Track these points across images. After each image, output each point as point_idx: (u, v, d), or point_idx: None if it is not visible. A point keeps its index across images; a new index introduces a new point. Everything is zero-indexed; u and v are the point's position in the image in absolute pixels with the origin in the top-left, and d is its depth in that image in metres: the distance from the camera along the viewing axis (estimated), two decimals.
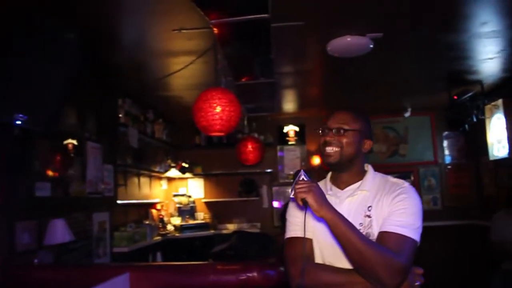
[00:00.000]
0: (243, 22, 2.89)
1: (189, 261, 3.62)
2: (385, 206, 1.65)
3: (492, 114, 5.93)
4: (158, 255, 5.91)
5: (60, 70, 3.10)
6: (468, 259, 6.54)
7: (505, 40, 4.17)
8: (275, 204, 7.60)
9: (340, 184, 1.80)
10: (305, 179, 1.61)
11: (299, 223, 1.72)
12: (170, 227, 6.87)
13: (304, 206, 1.56)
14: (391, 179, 1.75)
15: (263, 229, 7.30)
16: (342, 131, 1.73)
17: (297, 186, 1.56)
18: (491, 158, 6.08)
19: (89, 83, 4.52)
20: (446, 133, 7.37)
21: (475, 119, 6.01)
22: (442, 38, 4.08)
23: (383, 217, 1.63)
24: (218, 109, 3.24)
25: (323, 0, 3.21)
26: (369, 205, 1.69)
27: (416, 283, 1.64)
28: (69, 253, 3.97)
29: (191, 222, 7.15)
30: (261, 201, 7.63)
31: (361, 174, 1.79)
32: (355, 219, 1.63)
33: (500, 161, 6.03)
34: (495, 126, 5.89)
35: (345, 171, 1.77)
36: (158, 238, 6.18)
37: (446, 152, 7.40)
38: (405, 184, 1.71)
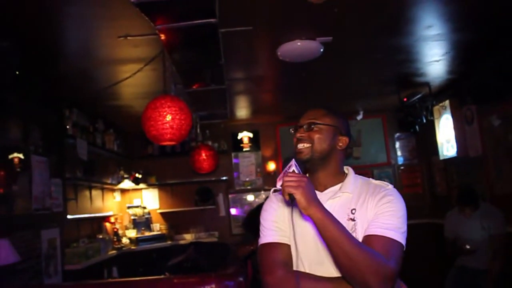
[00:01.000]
0: (190, 27, 2.83)
1: (147, 274, 3.49)
2: (370, 209, 1.56)
3: (440, 115, 6.09)
4: (114, 270, 5.72)
5: None
6: (424, 257, 6.69)
7: (449, 43, 4.28)
8: (233, 211, 7.54)
9: (318, 186, 1.67)
10: (296, 171, 1.49)
11: (275, 228, 1.65)
12: (125, 240, 6.68)
13: (290, 202, 1.45)
14: (374, 181, 1.68)
15: (221, 237, 7.24)
16: (312, 126, 1.65)
17: (286, 179, 1.43)
18: (441, 157, 6.24)
19: (32, 94, 4.32)
20: (397, 134, 7.54)
21: (424, 120, 6.18)
22: (389, 42, 4.15)
23: (368, 220, 1.54)
24: (168, 117, 3.16)
25: (271, 5, 3.17)
26: (352, 207, 1.59)
27: None
28: (14, 275, 3.75)
29: (147, 234, 6.98)
30: (217, 209, 7.55)
31: (339, 176, 1.69)
32: None
33: (449, 160, 6.21)
34: (444, 126, 6.05)
35: (320, 170, 1.66)
36: (113, 252, 5.99)
37: (399, 153, 7.57)
38: (389, 186, 1.64)
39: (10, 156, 3.93)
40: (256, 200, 7.50)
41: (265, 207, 1.76)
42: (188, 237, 7.24)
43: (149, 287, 2.90)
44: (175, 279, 2.95)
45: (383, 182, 1.66)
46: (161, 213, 7.52)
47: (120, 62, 4.14)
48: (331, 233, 1.39)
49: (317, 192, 1.60)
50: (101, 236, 6.01)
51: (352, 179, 1.68)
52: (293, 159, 1.54)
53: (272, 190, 1.78)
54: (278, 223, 1.66)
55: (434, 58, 4.74)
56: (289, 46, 3.83)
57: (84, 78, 4.54)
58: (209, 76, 4.04)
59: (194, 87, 4.22)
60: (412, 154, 7.55)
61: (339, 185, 1.66)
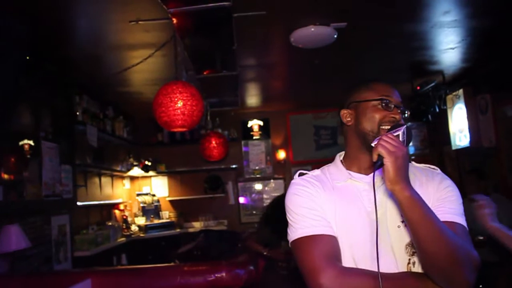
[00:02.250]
0: (203, 11, 2.77)
1: (155, 262, 3.48)
2: (431, 193, 1.35)
3: (453, 104, 6.01)
4: (123, 257, 5.73)
5: (8, 65, 2.90)
6: None
7: (465, 29, 4.19)
8: (242, 200, 7.52)
9: (362, 169, 1.43)
10: (401, 139, 1.26)
11: (315, 216, 1.35)
12: (134, 228, 6.68)
13: (375, 165, 1.22)
14: (416, 164, 1.48)
15: (230, 226, 7.23)
16: (406, 113, 1.44)
17: (385, 138, 1.21)
18: (454, 147, 6.17)
19: (42, 80, 4.29)
20: (409, 123, 7.43)
21: (437, 109, 6.08)
22: (404, 28, 4.06)
23: (431, 205, 1.28)
24: (180, 103, 3.10)
25: None
26: None
27: None
28: (25, 260, 3.75)
29: (156, 221, 6.97)
30: (227, 197, 7.53)
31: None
32: (396, 208, 1.33)
33: (462, 150, 6.13)
34: (457, 115, 5.97)
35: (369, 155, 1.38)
36: (122, 239, 5.99)
37: (410, 142, 7.47)
38: (438, 169, 1.46)
39: (21, 143, 3.91)
40: (266, 188, 7.46)
41: (294, 191, 1.43)
42: (197, 225, 7.23)
43: (159, 274, 2.88)
44: (185, 267, 2.93)
45: (428, 165, 1.48)
46: (170, 201, 7.51)
47: (131, 47, 4.09)
48: (419, 216, 1.18)
49: (361, 175, 1.42)
50: (110, 223, 6.01)
51: None
52: (405, 126, 1.29)
53: (298, 173, 1.51)
54: (317, 211, 1.36)
55: (449, 46, 4.65)
56: (302, 31, 3.76)
57: (95, 64, 4.50)
58: (221, 62, 3.97)
59: (205, 73, 4.16)
60: (423, 144, 7.47)
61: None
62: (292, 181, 1.49)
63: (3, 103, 3.01)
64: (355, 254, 1.33)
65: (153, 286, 2.84)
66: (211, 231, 4.43)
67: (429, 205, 1.27)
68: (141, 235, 6.58)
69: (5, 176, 3.62)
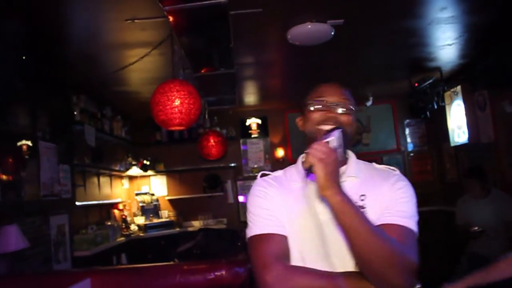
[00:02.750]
0: (199, 8, 2.76)
1: (156, 261, 3.47)
2: (383, 195, 1.38)
3: (451, 101, 6.00)
4: (123, 256, 5.72)
5: (4, 66, 2.89)
6: (434, 245, 6.64)
7: (462, 25, 4.19)
8: (241, 198, 7.51)
9: None
10: (333, 145, 1.27)
11: (268, 216, 1.42)
12: (133, 227, 6.68)
13: (306, 173, 1.27)
14: (376, 165, 1.52)
15: (229, 224, 7.23)
16: (350, 110, 1.47)
17: (314, 146, 1.24)
18: (452, 144, 6.16)
19: (39, 80, 4.29)
20: (407, 120, 7.45)
21: (435, 106, 6.08)
22: (401, 25, 4.05)
23: (382, 207, 1.36)
24: (177, 101, 3.10)
25: None
26: (361, 193, 1.40)
27: (417, 286, 1.37)
28: (24, 260, 3.75)
29: (155, 221, 6.97)
30: (226, 196, 7.51)
31: (342, 160, 1.45)
32: None
33: (460, 147, 6.12)
34: (455, 112, 5.97)
35: None
36: (121, 239, 5.99)
37: (408, 139, 7.48)
38: (397, 171, 1.48)
39: (19, 143, 3.91)
40: None
41: (253, 192, 1.50)
42: (197, 224, 7.23)
43: (159, 273, 2.87)
44: (185, 266, 2.93)
45: (388, 166, 1.51)
46: (169, 200, 7.51)
47: (128, 46, 4.08)
48: (351, 220, 1.22)
49: None
50: (109, 223, 6.01)
51: (354, 162, 1.50)
52: (340, 130, 1.32)
53: (260, 173, 1.59)
54: (272, 211, 1.43)
55: (446, 42, 4.64)
56: (299, 29, 3.75)
57: (91, 63, 4.48)
58: (218, 60, 3.96)
59: (202, 71, 4.15)
60: (422, 141, 7.47)
61: (343, 167, 1.45)
62: (254, 181, 1.56)
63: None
64: (304, 254, 1.38)
65: (153, 285, 2.84)
66: (210, 230, 4.43)
67: (383, 205, 1.36)
68: (141, 234, 6.57)
69: (3, 177, 3.62)
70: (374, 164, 1.54)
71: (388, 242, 1.22)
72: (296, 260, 1.39)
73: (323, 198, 1.28)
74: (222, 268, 2.77)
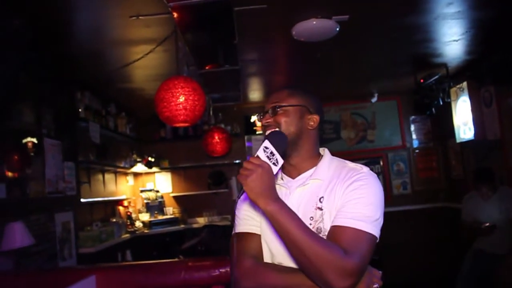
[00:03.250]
0: (204, 4, 2.75)
1: (160, 257, 3.48)
2: (338, 196, 1.42)
3: (457, 97, 5.96)
4: (128, 253, 5.73)
5: (9, 62, 2.89)
6: (440, 241, 6.62)
7: (469, 21, 4.15)
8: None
9: (292, 171, 1.56)
10: (262, 156, 1.35)
11: (245, 217, 1.56)
12: (138, 224, 6.68)
13: (240, 190, 1.35)
14: (350, 164, 1.52)
15: (234, 221, 7.20)
16: (276, 109, 1.52)
17: (244, 164, 1.33)
18: (458, 140, 6.13)
19: (43, 77, 4.28)
20: (413, 117, 7.41)
21: (441, 102, 6.04)
22: (407, 20, 4.03)
23: (336, 209, 1.40)
24: (182, 98, 3.10)
25: None
26: (321, 195, 1.45)
27: (374, 286, 1.39)
28: (30, 257, 3.76)
29: (160, 217, 6.98)
30: (230, 193, 7.51)
31: (314, 159, 1.55)
32: (306, 213, 1.43)
33: (466, 143, 6.09)
34: (461, 108, 5.93)
35: (293, 155, 1.52)
36: (126, 235, 6.00)
37: (414, 136, 7.45)
38: (364, 169, 1.47)
39: (24, 140, 3.91)
40: None
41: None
42: (201, 221, 7.24)
43: (163, 270, 2.87)
44: (189, 262, 2.91)
45: (358, 165, 1.51)
46: (174, 197, 7.51)
47: (132, 43, 4.07)
48: (282, 227, 1.29)
49: (288, 178, 1.56)
50: (114, 220, 6.02)
51: (326, 163, 1.53)
52: (266, 140, 1.38)
53: None
54: (249, 212, 1.56)
55: (452, 38, 4.60)
56: (304, 25, 3.73)
57: (96, 60, 4.48)
58: (223, 56, 3.95)
59: (207, 68, 4.14)
60: (427, 137, 7.43)
61: (312, 170, 1.53)
62: None
63: (4, 101, 3.00)
64: (273, 251, 1.49)
65: (157, 282, 2.83)
66: (215, 226, 4.43)
67: (338, 207, 1.40)
68: (146, 231, 6.58)
69: (9, 174, 3.62)
70: (347, 163, 1.54)
71: (320, 246, 1.27)
72: (267, 257, 1.51)
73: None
74: (227, 265, 2.75)
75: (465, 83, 5.75)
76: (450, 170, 7.01)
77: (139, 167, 7.03)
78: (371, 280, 1.39)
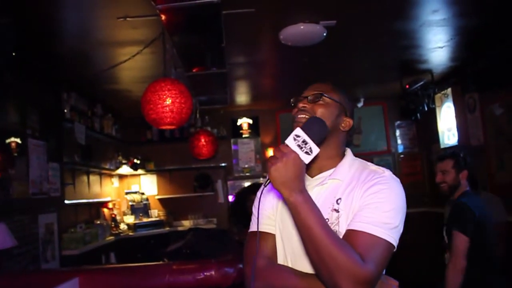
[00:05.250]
0: (192, 7, 2.75)
1: (145, 260, 3.44)
2: (356, 199, 1.33)
3: (442, 103, 6.04)
4: (112, 255, 5.69)
5: None
6: (423, 246, 6.67)
7: (454, 28, 4.21)
8: (231, 198, 7.50)
9: (312, 169, 1.47)
10: (290, 142, 1.25)
11: (262, 216, 1.49)
12: (123, 226, 6.63)
13: (266, 182, 1.29)
14: (371, 166, 1.44)
15: (219, 224, 7.21)
16: (318, 98, 1.44)
17: (272, 153, 1.25)
18: (442, 146, 6.20)
19: (29, 76, 4.24)
20: (398, 122, 7.48)
21: (426, 108, 6.11)
22: (394, 26, 4.07)
23: (353, 213, 1.31)
24: (168, 101, 3.09)
25: None
26: (338, 197, 1.37)
27: None
28: (12, 259, 3.71)
29: (145, 220, 6.94)
30: (216, 196, 7.50)
31: (337, 159, 1.47)
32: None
33: (450, 149, 6.16)
34: (445, 114, 6.01)
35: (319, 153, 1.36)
36: (110, 238, 5.95)
37: (399, 141, 7.52)
38: (386, 172, 1.39)
39: (7, 140, 3.86)
40: None
41: (257, 193, 1.56)
42: (187, 224, 7.22)
43: (148, 272, 2.85)
44: (174, 265, 2.90)
45: (379, 167, 1.42)
46: (159, 199, 7.48)
47: (119, 44, 4.05)
48: (302, 221, 1.21)
49: (307, 176, 1.47)
50: (98, 222, 5.97)
51: (347, 163, 1.45)
52: (298, 127, 1.28)
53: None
54: (265, 210, 1.51)
55: (438, 44, 4.66)
56: (292, 29, 3.75)
57: (82, 60, 4.45)
58: (210, 59, 3.95)
59: (194, 70, 4.14)
60: (412, 142, 7.50)
61: (332, 169, 1.45)
62: None
63: None
64: (287, 253, 1.43)
65: (141, 285, 2.81)
66: (200, 229, 4.40)
67: (355, 210, 1.31)
68: (130, 233, 6.54)
69: None
70: (369, 164, 1.47)
71: (339, 249, 1.19)
72: (281, 258, 1.45)
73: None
74: (212, 268, 2.75)
75: (449, 89, 5.83)
76: (434, 175, 7.06)
77: (125, 169, 6.99)
78: None
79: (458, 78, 5.77)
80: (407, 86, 5.95)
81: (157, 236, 6.63)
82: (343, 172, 1.42)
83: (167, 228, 6.97)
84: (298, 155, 1.24)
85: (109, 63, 4.44)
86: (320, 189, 1.42)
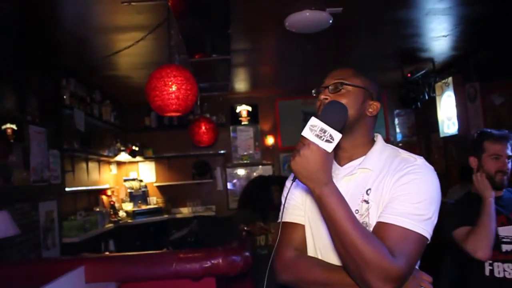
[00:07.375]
0: None
1: (144, 247, 3.44)
2: (386, 189, 1.26)
3: (442, 92, 6.03)
4: (111, 243, 5.67)
5: None
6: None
7: (458, 17, 4.19)
8: (230, 185, 7.50)
9: (341, 158, 1.40)
10: (307, 134, 1.16)
11: (290, 206, 1.44)
12: (122, 214, 6.61)
13: (294, 177, 1.23)
14: (403, 154, 1.36)
15: (218, 211, 7.20)
16: (340, 87, 1.36)
17: (300, 142, 1.17)
18: (442, 135, 6.21)
19: (28, 62, 4.17)
20: (397, 111, 7.48)
21: (426, 97, 6.11)
22: (399, 15, 4.05)
23: (384, 204, 1.25)
24: (174, 87, 3.04)
25: None
26: (368, 187, 1.30)
27: None
28: (14, 247, 3.68)
29: (143, 207, 6.91)
30: (215, 183, 7.49)
31: (367, 146, 1.39)
32: (351, 205, 1.22)
33: (449, 138, 6.17)
34: (446, 103, 6.00)
35: (346, 140, 1.31)
36: (110, 225, 5.92)
37: (398, 129, 7.52)
38: (418, 160, 1.31)
39: (7, 126, 3.80)
40: (255, 174, 7.42)
41: (287, 183, 1.46)
42: (185, 211, 7.21)
43: (154, 261, 2.84)
44: (180, 254, 2.88)
45: (412, 155, 1.34)
46: (158, 187, 7.45)
47: (121, 29, 3.98)
48: (329, 214, 1.16)
49: (337, 165, 1.39)
50: (98, 209, 5.93)
51: (377, 151, 1.37)
52: (313, 117, 1.18)
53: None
54: (294, 201, 1.45)
55: (441, 33, 4.65)
56: (298, 16, 3.71)
57: (83, 46, 4.39)
58: (215, 46, 3.90)
59: (197, 57, 4.09)
60: (411, 131, 7.52)
61: (362, 158, 1.37)
62: None
63: None
64: (317, 244, 1.38)
65: (147, 273, 2.80)
66: (205, 217, 4.40)
67: (385, 201, 1.25)
68: (129, 221, 6.51)
69: None
70: (400, 152, 1.38)
71: (368, 243, 1.13)
72: (311, 249, 1.40)
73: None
74: (219, 256, 2.73)
75: (450, 78, 5.82)
76: (433, 164, 7.06)
77: (123, 156, 6.95)
78: (418, 285, 1.25)
79: (460, 67, 5.76)
80: (409, 75, 5.93)
81: (156, 224, 6.62)
82: (373, 161, 1.35)
83: (166, 216, 6.96)
84: (317, 146, 1.15)
85: (110, 49, 4.38)
86: (350, 179, 1.36)
